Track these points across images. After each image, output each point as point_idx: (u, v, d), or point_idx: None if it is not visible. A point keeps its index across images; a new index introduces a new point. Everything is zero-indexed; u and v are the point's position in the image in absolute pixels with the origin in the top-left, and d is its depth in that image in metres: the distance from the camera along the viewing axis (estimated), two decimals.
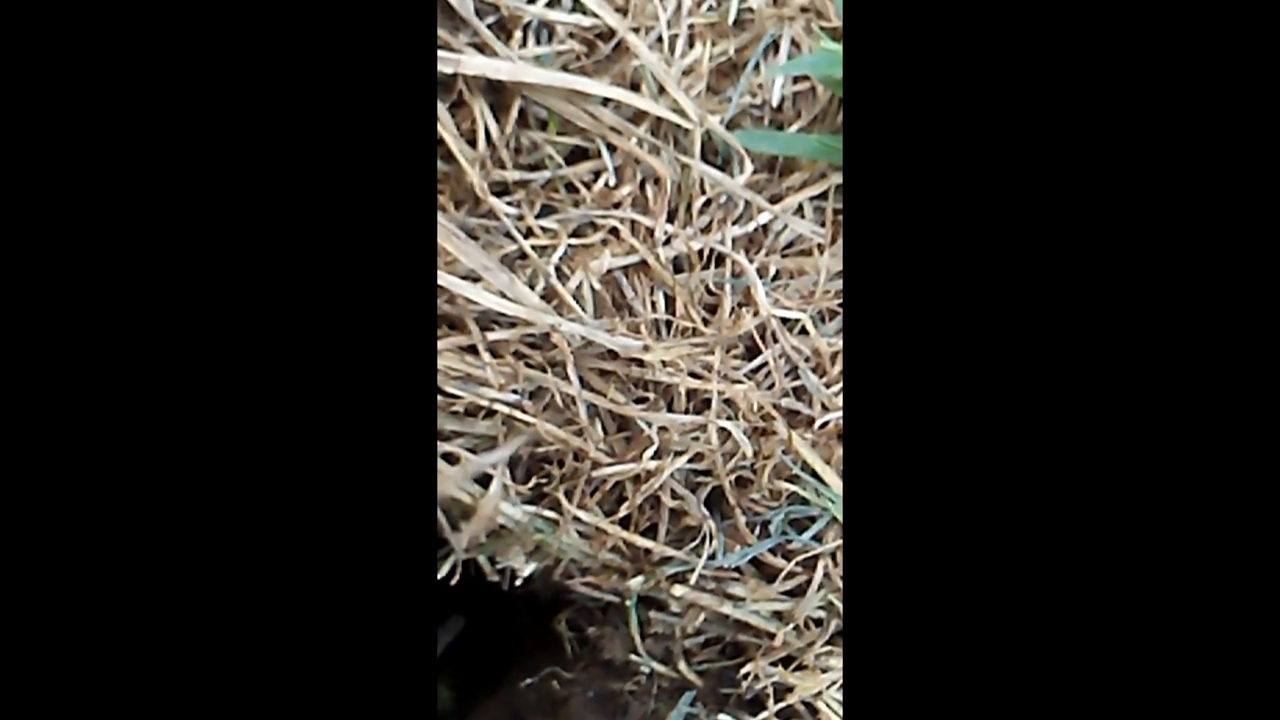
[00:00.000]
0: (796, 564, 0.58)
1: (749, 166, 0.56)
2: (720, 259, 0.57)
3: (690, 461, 0.56)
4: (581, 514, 0.56)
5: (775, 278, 0.58)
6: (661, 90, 0.55)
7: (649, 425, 0.55)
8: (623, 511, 0.57)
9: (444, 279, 0.50)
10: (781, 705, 0.59)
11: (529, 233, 0.54)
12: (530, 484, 0.56)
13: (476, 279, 0.52)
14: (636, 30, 0.55)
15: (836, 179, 0.57)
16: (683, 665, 0.61)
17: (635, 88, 0.55)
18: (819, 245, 0.58)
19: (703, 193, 0.56)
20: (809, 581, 0.58)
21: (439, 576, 0.56)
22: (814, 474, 0.56)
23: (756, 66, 0.57)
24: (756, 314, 0.56)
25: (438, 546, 0.54)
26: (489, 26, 0.52)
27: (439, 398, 0.53)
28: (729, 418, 0.56)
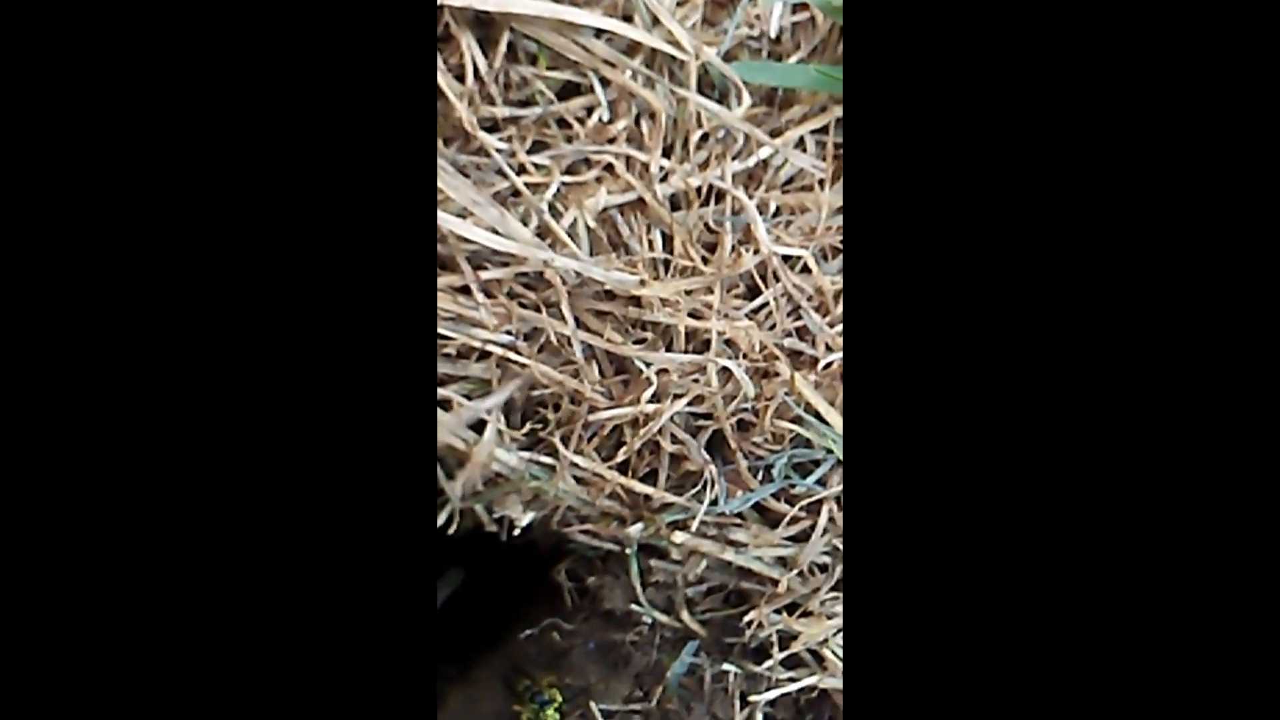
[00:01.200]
0: (800, 509, 0.57)
1: (747, 99, 0.54)
2: (719, 195, 0.55)
3: (690, 404, 0.55)
4: (579, 460, 0.55)
5: (776, 214, 0.56)
6: (655, 21, 0.53)
7: (647, 366, 0.54)
8: (621, 456, 0.55)
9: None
10: (787, 653, 0.58)
11: (521, 169, 0.53)
12: (525, 429, 0.55)
13: (467, 216, 0.50)
14: None
15: (838, 111, 0.56)
16: (685, 614, 0.60)
17: (628, 18, 0.53)
18: (820, 180, 0.56)
19: (700, 127, 0.54)
20: (813, 526, 0.57)
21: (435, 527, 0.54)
22: (818, 415, 0.55)
23: None
24: (757, 252, 0.54)
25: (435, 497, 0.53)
26: None
27: None
28: (730, 358, 0.54)
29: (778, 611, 0.59)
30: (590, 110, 0.54)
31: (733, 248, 0.55)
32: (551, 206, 0.53)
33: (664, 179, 0.54)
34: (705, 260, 0.55)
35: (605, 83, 0.54)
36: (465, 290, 0.51)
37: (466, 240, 0.50)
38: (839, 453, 0.56)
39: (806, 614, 0.58)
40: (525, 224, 0.52)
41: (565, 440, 0.54)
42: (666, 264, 0.55)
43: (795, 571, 0.58)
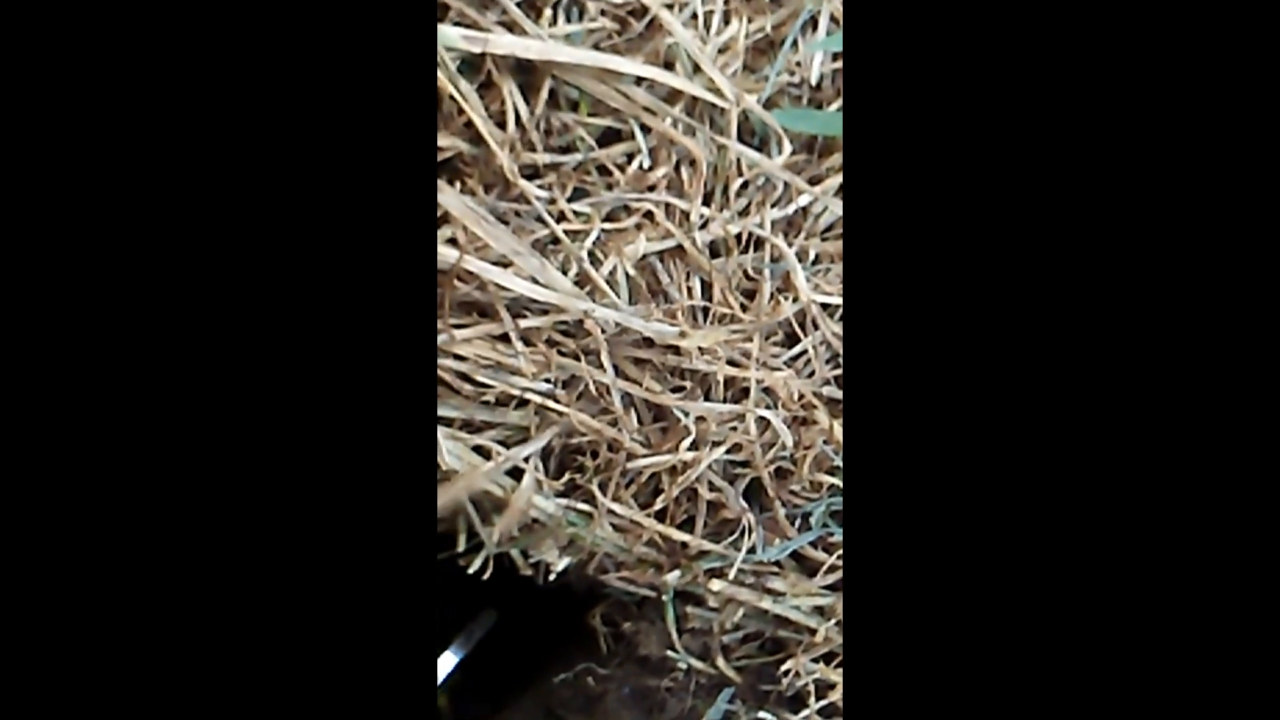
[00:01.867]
0: (838, 557, 0.57)
1: (787, 147, 0.54)
2: (758, 243, 0.55)
3: (728, 452, 0.55)
4: (616, 507, 0.55)
5: (815, 262, 0.56)
6: (696, 69, 0.53)
7: (686, 415, 0.53)
8: (659, 504, 0.55)
9: (474, 264, 0.49)
10: (823, 703, 0.58)
11: (561, 217, 0.53)
12: (564, 476, 0.55)
13: (507, 264, 0.50)
14: (670, 7, 0.53)
15: None
16: (721, 661, 0.60)
17: (669, 66, 0.53)
18: None
19: (740, 174, 0.54)
20: None
21: (471, 571, 0.54)
22: None
23: (794, 43, 0.55)
24: (796, 299, 0.54)
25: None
26: (518, 4, 0.51)
27: (470, 387, 0.51)
28: (768, 407, 0.54)
29: (815, 660, 0.58)
30: (630, 157, 0.54)
31: (771, 295, 0.55)
32: (591, 254, 0.53)
33: (703, 226, 0.54)
34: (744, 308, 0.54)
35: (646, 130, 0.54)
36: (504, 338, 0.51)
37: (506, 288, 0.50)
38: None
39: (844, 664, 0.58)
40: (565, 271, 0.52)
41: (603, 487, 0.54)
42: (705, 311, 0.55)
43: (833, 621, 0.57)
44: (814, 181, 0.55)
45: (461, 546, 0.54)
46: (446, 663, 0.69)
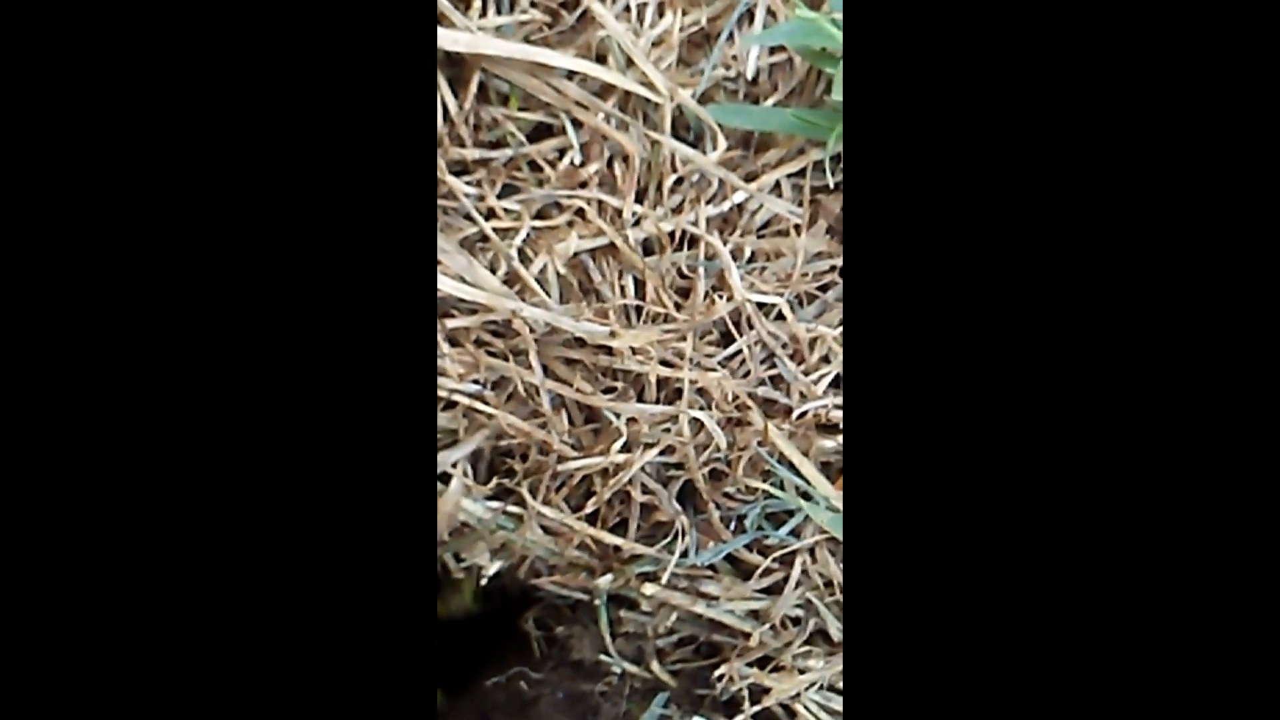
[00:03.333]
0: (773, 560, 0.56)
1: (722, 143, 0.53)
2: (693, 241, 0.54)
3: (661, 454, 0.54)
4: (547, 510, 0.54)
5: (751, 260, 0.55)
6: (629, 62, 0.52)
7: (617, 416, 0.52)
8: (590, 507, 0.54)
9: None
10: (758, 708, 0.57)
11: (490, 214, 0.52)
12: (492, 480, 0.53)
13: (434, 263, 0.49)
14: None
15: (815, 155, 0.54)
16: (655, 665, 0.59)
17: (602, 60, 0.52)
18: (796, 225, 0.55)
19: (674, 171, 0.54)
20: (786, 579, 0.56)
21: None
22: (791, 466, 0.54)
23: (730, 37, 0.54)
24: (731, 298, 0.53)
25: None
26: None
27: None
28: (702, 408, 0.53)
29: (750, 665, 0.57)
30: (562, 153, 0.53)
31: (706, 294, 0.54)
32: (521, 252, 0.52)
33: (636, 224, 0.53)
34: (678, 307, 0.54)
35: (577, 125, 0.53)
36: None
37: None
38: (813, 506, 0.54)
39: (779, 668, 0.57)
40: (494, 270, 0.51)
41: (533, 491, 0.53)
42: (638, 310, 0.54)
43: (768, 625, 0.56)
44: (749, 178, 0.54)
45: None
46: None
